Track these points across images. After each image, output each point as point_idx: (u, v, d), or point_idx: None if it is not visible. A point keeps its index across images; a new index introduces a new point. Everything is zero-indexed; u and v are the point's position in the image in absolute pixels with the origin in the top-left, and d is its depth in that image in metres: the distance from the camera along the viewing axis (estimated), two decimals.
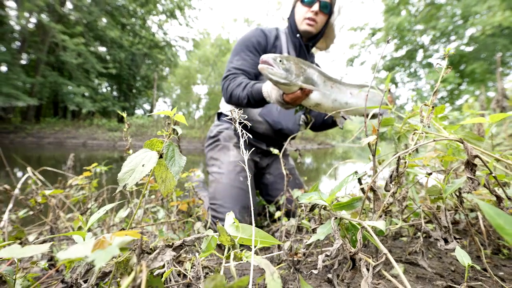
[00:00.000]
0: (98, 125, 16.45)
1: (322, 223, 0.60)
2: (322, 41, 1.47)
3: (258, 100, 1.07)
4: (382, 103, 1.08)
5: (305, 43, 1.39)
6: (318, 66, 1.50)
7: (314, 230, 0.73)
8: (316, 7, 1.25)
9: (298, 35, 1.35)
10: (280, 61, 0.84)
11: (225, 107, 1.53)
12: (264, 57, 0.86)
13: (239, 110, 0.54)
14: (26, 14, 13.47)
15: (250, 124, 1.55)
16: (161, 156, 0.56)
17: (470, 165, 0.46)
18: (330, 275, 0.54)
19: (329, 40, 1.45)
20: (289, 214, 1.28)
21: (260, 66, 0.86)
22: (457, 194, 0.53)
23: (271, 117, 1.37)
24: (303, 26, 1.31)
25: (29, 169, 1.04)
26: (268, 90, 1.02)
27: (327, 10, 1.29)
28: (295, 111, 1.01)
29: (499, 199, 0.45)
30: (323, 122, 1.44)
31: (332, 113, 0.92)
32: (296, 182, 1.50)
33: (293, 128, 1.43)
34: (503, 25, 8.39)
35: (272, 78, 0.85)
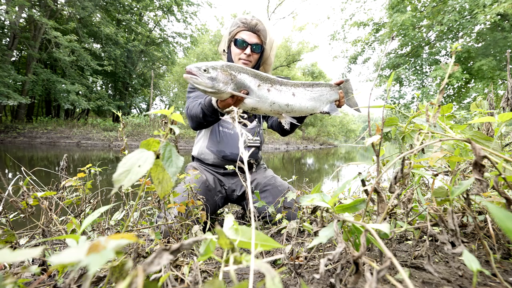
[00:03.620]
0: (92, 125, 16.20)
1: (324, 226, 0.58)
2: (261, 69, 1.62)
3: (211, 111, 1.10)
4: (330, 101, 1.07)
5: None
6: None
7: (316, 233, 0.71)
8: (248, 50, 1.38)
9: None
10: (205, 70, 0.82)
11: (194, 151, 1.65)
12: (188, 67, 0.84)
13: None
14: (16, 9, 13.13)
15: (201, 157, 1.55)
16: (157, 157, 0.54)
17: (478, 166, 0.45)
18: (332, 280, 0.53)
19: (267, 66, 1.60)
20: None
21: (184, 76, 0.84)
22: (465, 196, 0.52)
23: (215, 147, 1.51)
24: None
25: (22, 169, 1.01)
26: (214, 98, 1.01)
27: (259, 49, 1.41)
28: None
29: (508, 201, 0.44)
30: (280, 127, 1.55)
31: (273, 115, 0.93)
32: (278, 189, 1.50)
33: (238, 152, 1.52)
34: (509, 14, 8.36)
35: (199, 87, 0.84)
